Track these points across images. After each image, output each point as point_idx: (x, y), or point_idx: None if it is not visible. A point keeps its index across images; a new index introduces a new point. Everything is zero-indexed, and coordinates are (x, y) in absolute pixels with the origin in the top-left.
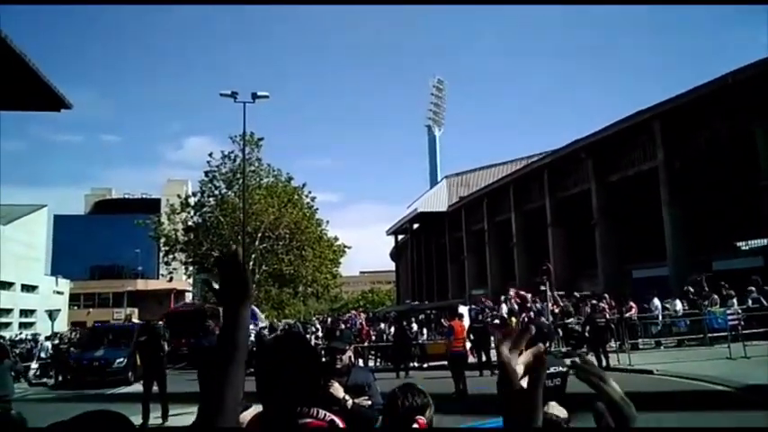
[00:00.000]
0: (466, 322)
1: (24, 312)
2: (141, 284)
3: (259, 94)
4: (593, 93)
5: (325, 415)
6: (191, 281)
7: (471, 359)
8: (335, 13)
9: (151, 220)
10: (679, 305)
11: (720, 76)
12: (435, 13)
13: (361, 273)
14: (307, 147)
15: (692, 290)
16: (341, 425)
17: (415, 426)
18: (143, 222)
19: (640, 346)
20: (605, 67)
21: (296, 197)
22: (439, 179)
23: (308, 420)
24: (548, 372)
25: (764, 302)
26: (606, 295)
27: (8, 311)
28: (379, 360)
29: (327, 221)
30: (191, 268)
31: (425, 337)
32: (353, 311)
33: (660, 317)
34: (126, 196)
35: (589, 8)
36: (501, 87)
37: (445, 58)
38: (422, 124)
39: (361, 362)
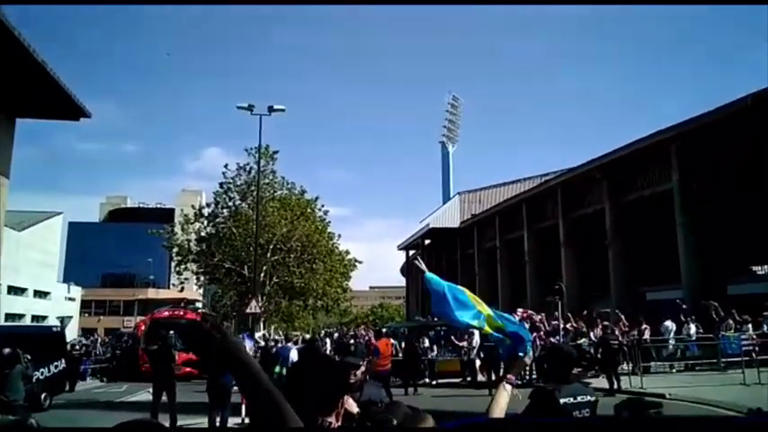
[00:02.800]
0: (476, 340)
1: (36, 318)
2: (152, 293)
3: (275, 107)
4: (611, 111)
5: (329, 424)
6: (201, 291)
7: (480, 378)
8: (356, 27)
9: (165, 230)
10: (693, 329)
11: (740, 98)
12: (454, 29)
13: (371, 288)
14: (322, 160)
15: (716, 314)
16: None
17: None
18: (157, 232)
19: (652, 370)
20: (624, 86)
21: (309, 210)
22: (452, 195)
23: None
24: (575, 401)
25: None
26: (622, 316)
27: (20, 317)
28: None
29: (339, 235)
30: (202, 278)
31: (435, 353)
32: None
33: (672, 340)
34: (140, 205)
35: (608, 30)
36: (516, 105)
37: (462, 75)
38: (436, 140)
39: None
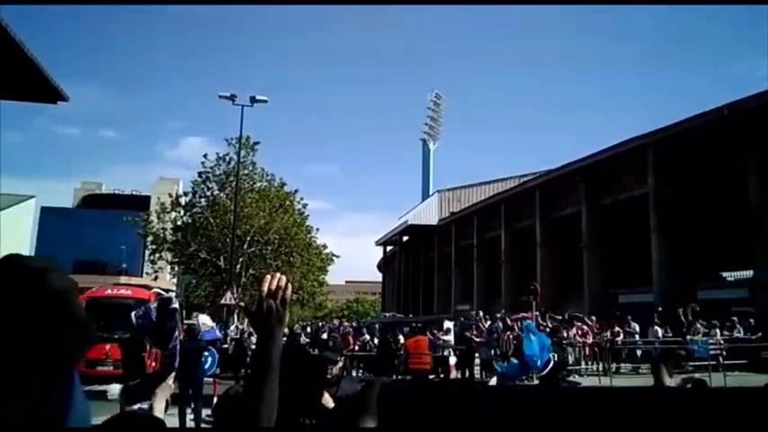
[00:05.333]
0: (451, 337)
1: None
2: (124, 281)
3: (258, 98)
4: (592, 115)
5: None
6: (175, 280)
7: (454, 374)
8: (339, 22)
9: (140, 218)
10: (660, 332)
11: (716, 108)
12: (439, 27)
13: (347, 282)
14: (304, 153)
15: (684, 318)
16: None
17: None
18: (132, 220)
19: (621, 371)
20: (606, 89)
21: (288, 203)
22: (431, 193)
23: None
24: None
25: (746, 334)
26: (593, 317)
27: None
28: (362, 371)
29: (318, 229)
30: (177, 268)
31: None
32: (336, 321)
33: (639, 342)
34: (116, 192)
35: (593, 32)
36: (499, 106)
37: (445, 72)
38: (417, 138)
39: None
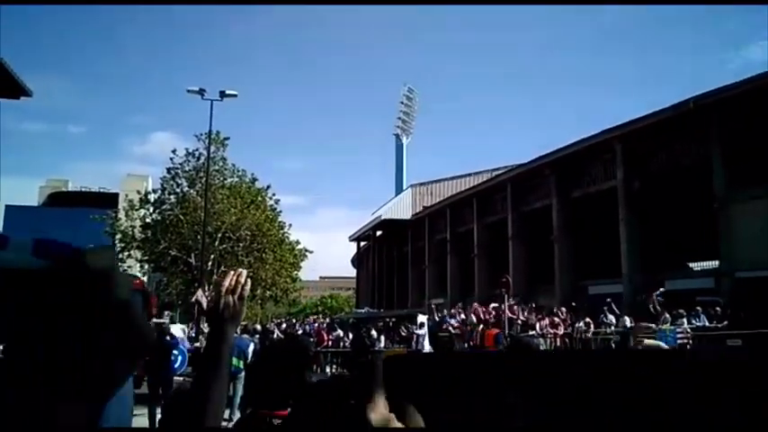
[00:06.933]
0: (425, 331)
1: None
2: None
3: (228, 92)
4: (563, 108)
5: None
6: (146, 279)
7: None
8: (312, 16)
9: (108, 215)
10: (628, 321)
11: (682, 101)
12: (413, 21)
13: (321, 278)
14: (277, 149)
15: (652, 308)
16: None
17: None
18: (99, 217)
19: None
20: (577, 83)
21: (259, 199)
22: (405, 187)
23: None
24: None
25: (711, 323)
26: (563, 308)
27: None
28: (336, 367)
29: (290, 225)
30: (146, 266)
31: (383, 345)
32: (311, 318)
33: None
34: (83, 189)
35: (565, 26)
36: (471, 100)
37: (419, 67)
38: (391, 132)
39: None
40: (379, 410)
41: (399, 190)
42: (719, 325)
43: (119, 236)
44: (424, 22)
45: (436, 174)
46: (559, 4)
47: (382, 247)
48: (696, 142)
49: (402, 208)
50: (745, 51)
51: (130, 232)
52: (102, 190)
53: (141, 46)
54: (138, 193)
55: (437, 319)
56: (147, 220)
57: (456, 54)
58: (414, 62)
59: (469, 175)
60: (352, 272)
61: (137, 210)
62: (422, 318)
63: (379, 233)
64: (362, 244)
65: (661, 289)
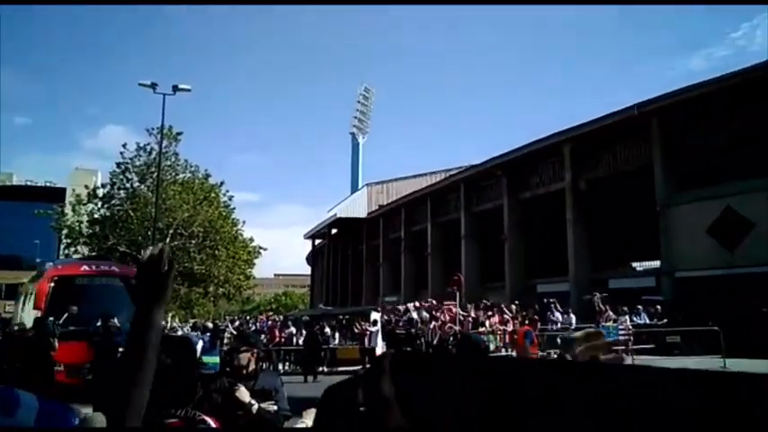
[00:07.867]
0: (378, 328)
1: None
2: None
3: (181, 86)
4: (518, 110)
5: (194, 414)
6: None
7: None
8: (270, 13)
9: (53, 210)
10: (573, 319)
11: (627, 107)
12: (368, 20)
13: (275, 275)
14: (231, 144)
15: (598, 306)
16: (213, 424)
17: None
18: (44, 212)
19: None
20: (533, 85)
21: (212, 195)
22: (360, 186)
23: (172, 420)
24: None
25: (652, 320)
26: (513, 306)
27: None
28: (288, 364)
29: (244, 222)
30: None
31: (337, 342)
32: (263, 315)
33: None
34: (28, 183)
35: (521, 28)
36: (427, 100)
37: (375, 66)
38: (347, 131)
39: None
40: (395, 419)
41: (355, 188)
42: (659, 322)
43: (65, 231)
44: (383, 22)
45: (392, 173)
46: (511, 5)
47: (337, 245)
48: (639, 147)
49: (357, 206)
50: (686, 60)
51: (77, 228)
52: (48, 184)
53: (93, 35)
54: (86, 187)
55: (392, 317)
56: (96, 216)
57: (413, 54)
58: (371, 61)
59: (424, 174)
60: (308, 269)
61: (84, 204)
62: (375, 315)
63: (334, 231)
64: (318, 242)
65: (604, 294)
